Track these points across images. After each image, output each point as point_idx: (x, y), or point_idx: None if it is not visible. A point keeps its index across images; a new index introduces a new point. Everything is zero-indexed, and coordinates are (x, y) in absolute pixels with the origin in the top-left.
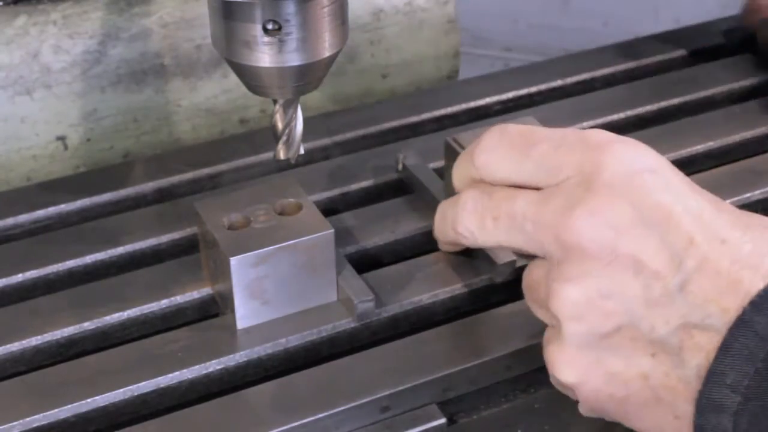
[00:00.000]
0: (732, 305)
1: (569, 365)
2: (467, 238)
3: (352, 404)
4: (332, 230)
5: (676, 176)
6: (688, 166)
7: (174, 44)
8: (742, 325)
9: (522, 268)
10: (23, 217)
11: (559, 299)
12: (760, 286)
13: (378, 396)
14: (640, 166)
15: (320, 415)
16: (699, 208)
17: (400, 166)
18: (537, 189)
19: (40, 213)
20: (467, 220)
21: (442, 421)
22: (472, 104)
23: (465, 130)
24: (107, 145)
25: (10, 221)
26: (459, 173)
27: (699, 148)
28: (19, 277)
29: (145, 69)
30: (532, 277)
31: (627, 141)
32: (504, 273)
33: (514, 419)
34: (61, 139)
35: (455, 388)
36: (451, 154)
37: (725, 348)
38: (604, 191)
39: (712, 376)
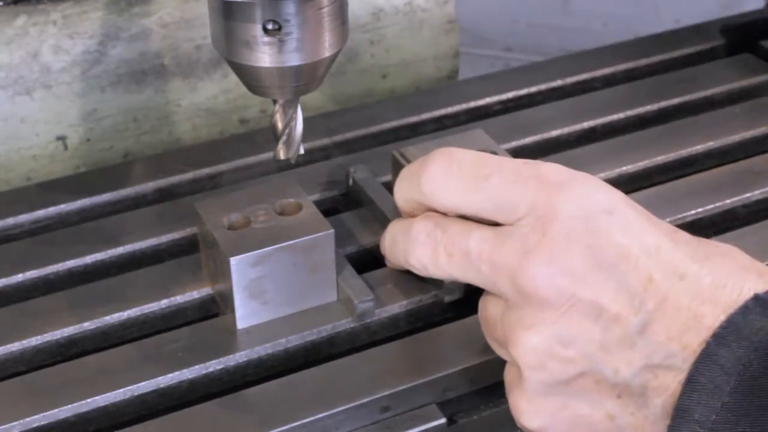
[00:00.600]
0: (694, 341)
1: (534, 413)
2: (419, 270)
3: (352, 404)
4: (332, 230)
5: (632, 212)
6: (689, 166)
7: (174, 44)
8: (706, 359)
9: (470, 286)
10: (23, 217)
11: (519, 347)
12: (722, 319)
13: (378, 396)
14: (596, 207)
15: (320, 415)
16: (656, 245)
17: (350, 181)
18: (489, 222)
19: (40, 213)
20: (420, 253)
21: (442, 421)
22: (472, 104)
23: (464, 130)
24: (107, 145)
25: (10, 221)
26: (403, 194)
27: (699, 148)
28: (19, 277)
29: (145, 69)
30: (488, 312)
31: (583, 180)
32: (452, 291)
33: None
34: (61, 139)
35: (455, 388)
36: (399, 168)
37: (690, 383)
38: (561, 236)
39: (680, 413)
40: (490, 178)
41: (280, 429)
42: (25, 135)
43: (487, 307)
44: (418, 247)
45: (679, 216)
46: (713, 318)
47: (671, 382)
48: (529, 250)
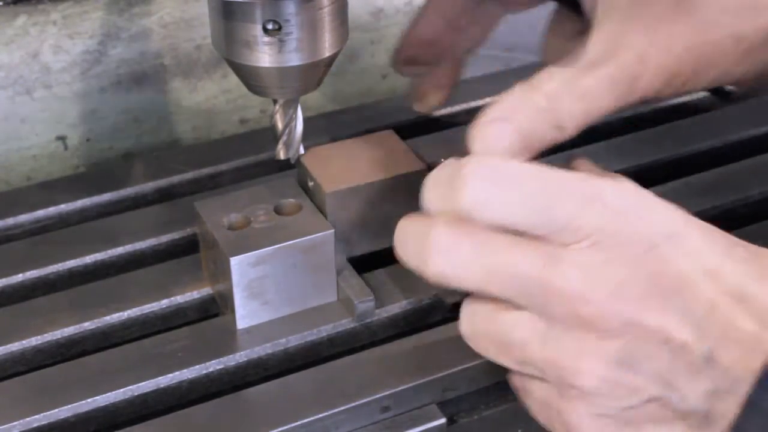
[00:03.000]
0: (758, 364)
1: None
2: (440, 283)
3: (352, 404)
4: (332, 230)
5: (691, 233)
6: (689, 165)
7: (174, 44)
8: (765, 382)
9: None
10: (23, 217)
11: (585, 374)
12: None
13: (378, 396)
14: (656, 231)
15: (320, 415)
16: (716, 266)
17: None
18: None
19: (40, 213)
20: (445, 263)
21: (442, 421)
22: (472, 104)
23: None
24: (107, 145)
25: (10, 221)
26: (437, 205)
27: (699, 147)
28: (19, 277)
29: (145, 69)
30: (513, 334)
31: (643, 201)
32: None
33: (514, 419)
34: (61, 139)
35: (455, 388)
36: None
37: (749, 406)
38: (623, 263)
39: None
40: (553, 199)
41: (280, 429)
42: (25, 135)
43: (512, 330)
44: (442, 256)
45: None
46: None
47: (736, 406)
48: (589, 276)
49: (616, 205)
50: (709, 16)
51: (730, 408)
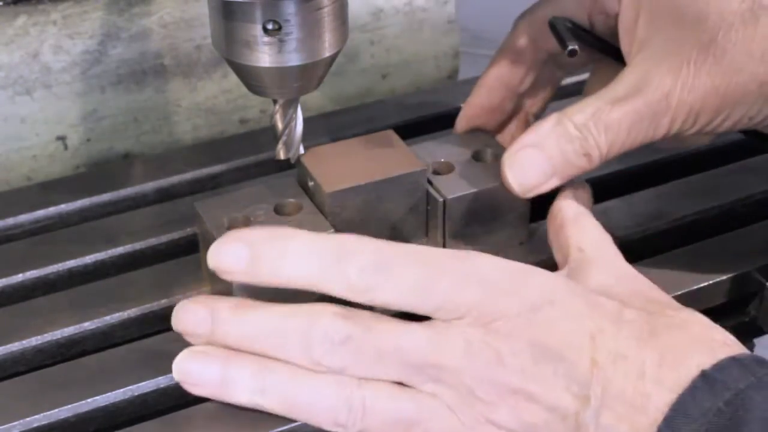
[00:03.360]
0: (644, 422)
1: None
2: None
3: None
4: (332, 230)
5: (573, 299)
6: (689, 165)
7: (174, 44)
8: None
9: None
10: (23, 217)
11: None
12: (670, 398)
13: None
14: (536, 300)
15: None
16: (599, 328)
17: None
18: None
19: (40, 213)
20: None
21: None
22: None
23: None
24: (107, 145)
25: (10, 221)
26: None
27: (699, 147)
28: (19, 277)
29: (145, 69)
30: (415, 413)
31: (521, 273)
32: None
33: None
34: (61, 139)
35: None
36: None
37: None
38: (503, 334)
39: None
40: (430, 281)
41: (280, 429)
42: (25, 135)
43: (419, 410)
44: (329, 345)
45: (679, 216)
46: (659, 398)
47: None
48: (471, 351)
49: (492, 279)
50: (735, 60)
51: None
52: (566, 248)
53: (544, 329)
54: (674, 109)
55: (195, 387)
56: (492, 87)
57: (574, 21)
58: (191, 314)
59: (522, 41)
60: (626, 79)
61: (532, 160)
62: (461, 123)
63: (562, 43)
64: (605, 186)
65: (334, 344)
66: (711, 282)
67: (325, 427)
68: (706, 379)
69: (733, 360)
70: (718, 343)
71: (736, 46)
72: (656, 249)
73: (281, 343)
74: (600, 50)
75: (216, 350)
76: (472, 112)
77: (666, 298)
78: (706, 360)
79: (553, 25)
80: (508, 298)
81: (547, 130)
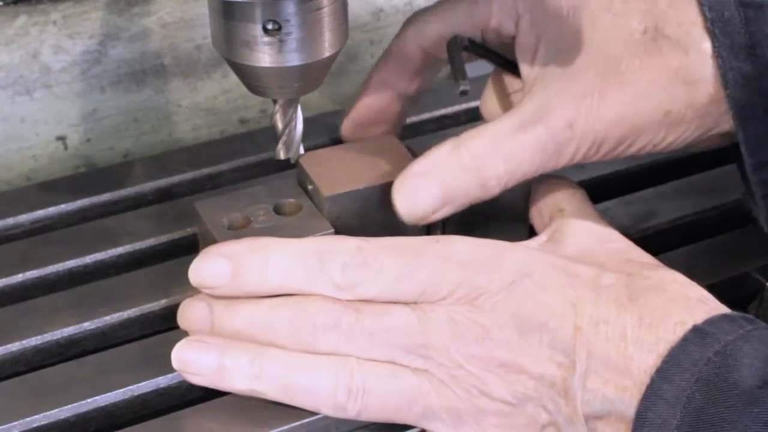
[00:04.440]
0: (629, 383)
1: None
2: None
3: None
4: (332, 230)
5: (550, 270)
6: (689, 164)
7: (174, 44)
8: (652, 395)
9: None
10: (23, 217)
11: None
12: (649, 360)
13: None
14: (514, 273)
15: (320, 415)
16: (578, 296)
17: None
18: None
19: (40, 213)
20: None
21: None
22: (472, 104)
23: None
24: (107, 145)
25: (10, 221)
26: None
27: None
28: (19, 277)
29: (145, 69)
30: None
31: (496, 250)
32: None
33: None
34: (61, 139)
35: None
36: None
37: (639, 420)
38: (486, 310)
39: None
40: (409, 268)
41: (280, 429)
42: (25, 135)
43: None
44: (320, 330)
45: (679, 216)
46: (640, 359)
47: (621, 427)
48: (458, 328)
49: (470, 258)
50: (638, 88)
51: (617, 429)
52: (546, 208)
53: (526, 301)
54: (578, 139)
55: (194, 376)
56: (377, 90)
57: (472, 39)
58: (193, 310)
59: (410, 48)
60: (527, 106)
61: (423, 189)
62: (347, 124)
63: (456, 77)
64: (605, 186)
65: (325, 329)
66: (710, 282)
67: (324, 411)
68: (697, 332)
69: (724, 316)
70: (693, 301)
71: (640, 75)
72: (656, 249)
73: (274, 332)
74: (499, 65)
75: (213, 339)
76: (357, 114)
77: (645, 257)
78: (684, 317)
79: (450, 49)
80: (488, 275)
81: (441, 157)
